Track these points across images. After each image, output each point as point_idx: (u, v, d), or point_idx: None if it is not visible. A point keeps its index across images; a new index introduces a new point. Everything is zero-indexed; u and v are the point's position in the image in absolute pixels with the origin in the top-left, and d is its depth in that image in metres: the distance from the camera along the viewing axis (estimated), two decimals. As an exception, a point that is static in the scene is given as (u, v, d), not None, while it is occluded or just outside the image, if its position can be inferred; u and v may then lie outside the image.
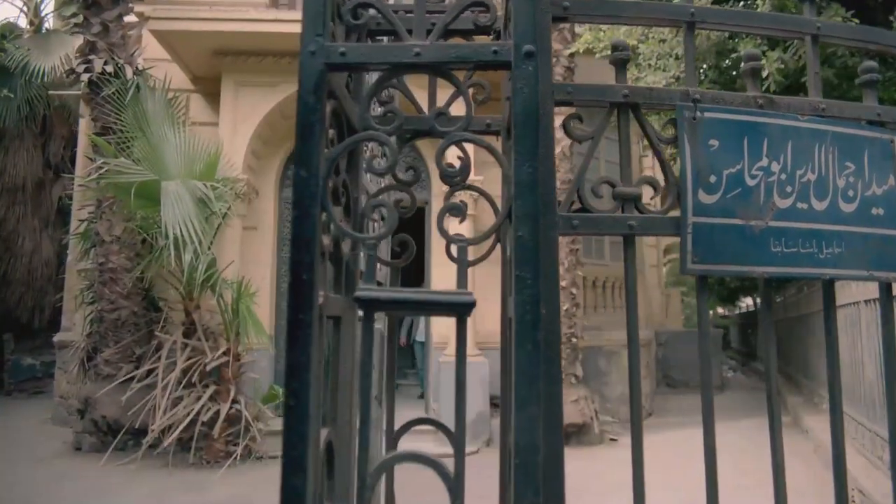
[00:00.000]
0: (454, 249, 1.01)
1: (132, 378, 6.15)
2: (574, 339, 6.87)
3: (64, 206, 11.85)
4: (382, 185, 1.30)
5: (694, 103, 1.15)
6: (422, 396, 8.48)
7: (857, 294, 4.74)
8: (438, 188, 7.66)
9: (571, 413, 6.49)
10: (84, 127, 8.84)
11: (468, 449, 6.61)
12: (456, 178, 0.97)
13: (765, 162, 1.15)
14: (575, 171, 7.00)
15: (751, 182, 1.15)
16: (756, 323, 15.61)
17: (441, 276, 7.63)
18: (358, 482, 0.90)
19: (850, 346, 5.02)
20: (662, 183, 1.20)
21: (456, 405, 0.91)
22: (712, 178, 1.15)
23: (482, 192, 1.38)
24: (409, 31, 1.04)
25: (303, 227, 0.91)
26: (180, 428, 5.43)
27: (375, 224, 1.20)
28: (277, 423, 6.45)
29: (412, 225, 8.25)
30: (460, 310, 0.91)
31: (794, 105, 1.18)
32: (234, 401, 5.78)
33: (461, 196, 7.31)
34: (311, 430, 0.90)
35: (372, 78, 1.06)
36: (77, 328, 8.30)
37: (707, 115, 1.16)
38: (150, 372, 6.10)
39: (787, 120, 1.18)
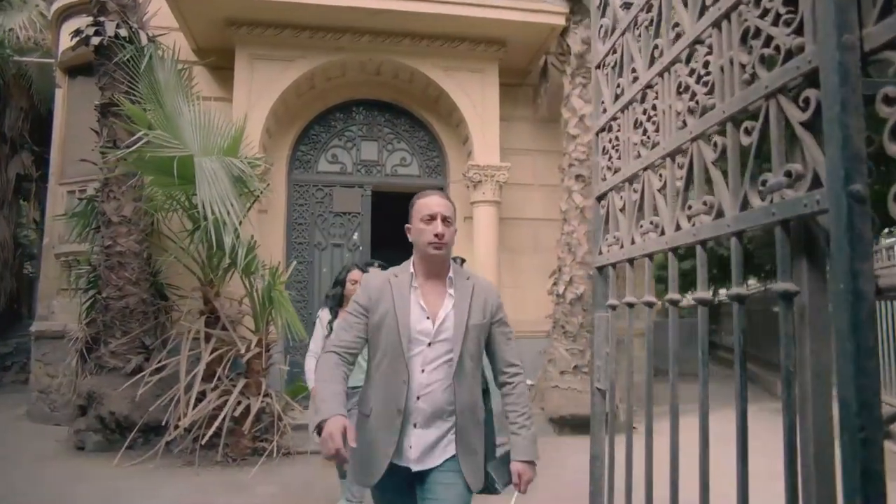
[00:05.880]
0: None
1: (141, 371, 5.68)
2: (600, 329, 6.87)
3: (22, 186, 10.85)
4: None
5: None
6: None
7: None
8: (456, 174, 7.48)
9: (601, 402, 6.50)
10: (61, 98, 8.08)
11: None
12: None
13: None
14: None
15: None
16: (719, 314, 16.27)
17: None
18: None
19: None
20: None
21: None
22: None
23: None
24: None
25: None
26: (215, 424, 5.05)
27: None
28: (304, 418, 6.13)
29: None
30: None
31: None
32: (266, 394, 5.43)
33: (485, 186, 7.15)
34: None
35: None
36: (57, 316, 7.63)
37: None
38: (160, 366, 5.65)
39: None
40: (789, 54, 1.11)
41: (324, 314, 4.09)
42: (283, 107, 6.99)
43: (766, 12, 1.18)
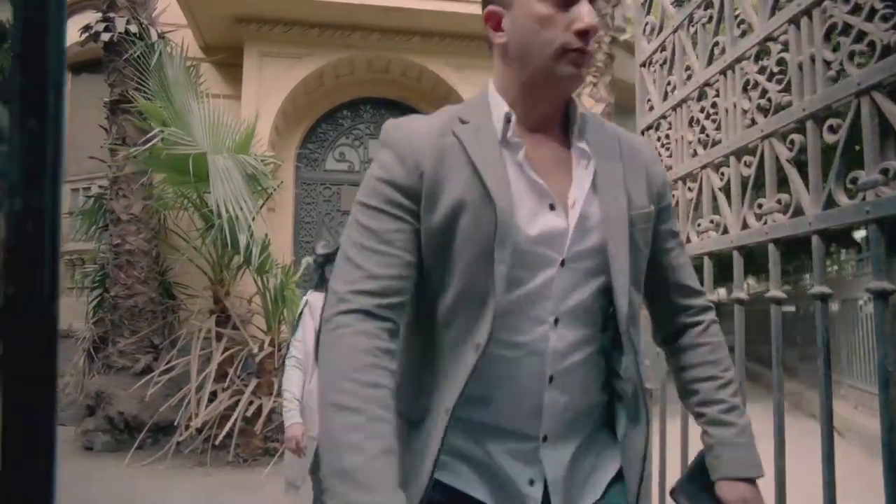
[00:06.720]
0: None
1: (150, 371, 5.63)
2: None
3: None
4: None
5: None
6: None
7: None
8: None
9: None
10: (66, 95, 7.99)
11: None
12: None
13: None
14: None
15: None
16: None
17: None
18: None
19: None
20: None
21: None
22: None
23: None
24: None
25: None
26: (228, 425, 5.01)
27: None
28: (314, 417, 6.10)
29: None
30: None
31: None
32: (278, 394, 5.39)
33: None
34: None
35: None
36: (61, 315, 7.54)
37: None
38: (169, 366, 5.60)
39: None
40: (886, 50, 1.10)
41: (314, 299, 2.67)
42: (291, 105, 6.95)
43: (857, 8, 1.16)
